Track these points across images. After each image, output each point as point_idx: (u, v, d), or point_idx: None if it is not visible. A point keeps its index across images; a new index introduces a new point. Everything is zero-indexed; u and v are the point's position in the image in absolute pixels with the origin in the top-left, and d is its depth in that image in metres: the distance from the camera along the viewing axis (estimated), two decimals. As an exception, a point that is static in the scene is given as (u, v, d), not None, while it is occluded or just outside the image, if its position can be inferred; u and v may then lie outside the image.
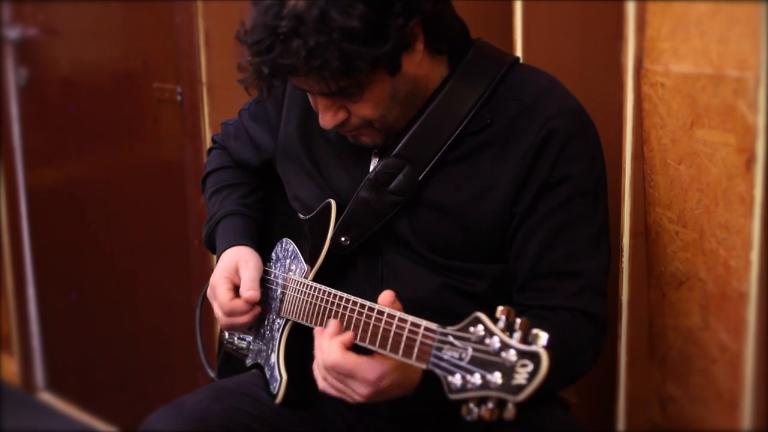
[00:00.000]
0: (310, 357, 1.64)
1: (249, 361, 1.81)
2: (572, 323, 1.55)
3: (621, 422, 1.91)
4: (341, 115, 1.56)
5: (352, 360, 1.44)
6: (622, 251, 1.83)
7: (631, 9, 1.76)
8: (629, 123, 1.80)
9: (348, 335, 1.47)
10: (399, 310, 1.45)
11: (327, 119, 1.57)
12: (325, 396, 1.73)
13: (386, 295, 1.46)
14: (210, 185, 1.93)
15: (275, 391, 1.71)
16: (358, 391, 1.46)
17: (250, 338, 1.83)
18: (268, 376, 1.74)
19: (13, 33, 3.16)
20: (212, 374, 1.92)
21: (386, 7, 1.46)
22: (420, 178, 1.60)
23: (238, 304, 1.70)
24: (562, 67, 1.81)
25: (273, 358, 1.73)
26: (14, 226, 3.37)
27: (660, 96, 1.75)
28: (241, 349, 1.84)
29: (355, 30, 1.43)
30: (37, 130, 3.25)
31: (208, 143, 2.01)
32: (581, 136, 1.58)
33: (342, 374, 1.45)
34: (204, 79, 2.54)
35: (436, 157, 1.59)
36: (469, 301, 1.59)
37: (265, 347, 1.76)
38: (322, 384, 1.50)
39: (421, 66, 1.56)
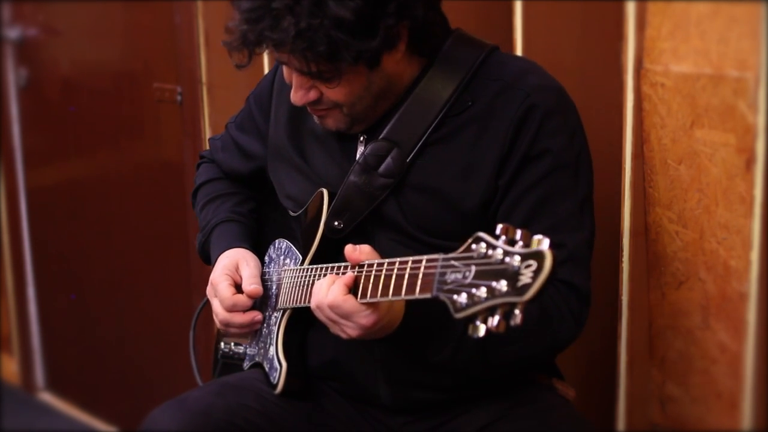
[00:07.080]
0: (308, 349, 1.67)
1: (246, 364, 1.81)
2: (553, 292, 1.55)
3: (621, 422, 1.91)
4: (312, 95, 1.60)
5: (352, 305, 1.48)
6: (622, 251, 1.83)
7: (631, 9, 1.76)
8: (629, 123, 1.80)
9: (349, 275, 1.50)
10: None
11: (298, 96, 1.60)
12: (326, 389, 1.74)
13: (364, 247, 1.50)
14: (201, 197, 1.94)
15: (275, 381, 1.71)
16: (348, 331, 1.50)
17: (246, 346, 1.83)
18: (267, 368, 1.74)
19: (13, 33, 3.16)
20: None
21: (380, 5, 1.50)
22: (408, 159, 1.62)
23: (241, 299, 1.72)
24: (562, 67, 1.81)
25: (271, 350, 1.73)
26: (14, 226, 3.37)
27: (660, 96, 1.75)
28: (237, 354, 1.84)
29: (346, 20, 1.47)
30: (37, 130, 3.25)
31: (208, 143, 2.01)
32: (560, 111, 1.60)
33: (338, 314, 1.49)
34: (204, 79, 2.54)
35: (422, 139, 1.62)
36: None
37: (262, 344, 1.77)
38: (314, 310, 1.54)
39: (398, 64, 1.60)
